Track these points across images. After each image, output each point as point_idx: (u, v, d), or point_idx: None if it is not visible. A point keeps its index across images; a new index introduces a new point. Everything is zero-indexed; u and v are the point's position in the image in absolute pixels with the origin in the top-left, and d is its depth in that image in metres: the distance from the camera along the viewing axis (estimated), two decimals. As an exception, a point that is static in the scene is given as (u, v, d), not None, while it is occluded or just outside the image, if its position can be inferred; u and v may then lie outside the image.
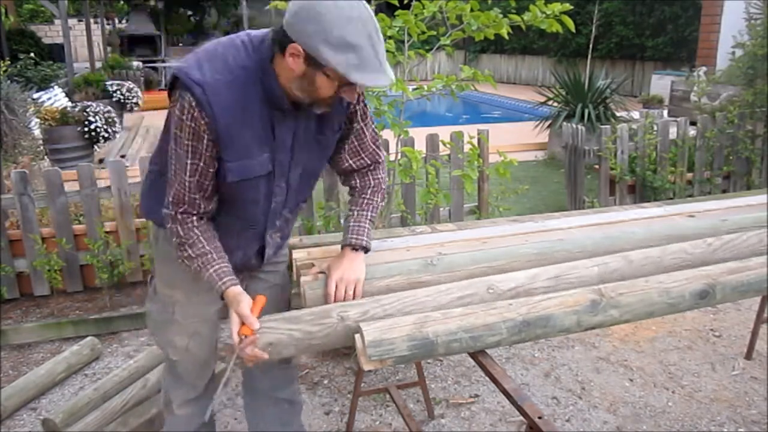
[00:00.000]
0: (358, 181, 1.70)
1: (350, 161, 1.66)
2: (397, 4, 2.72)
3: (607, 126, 4.58)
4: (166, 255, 1.62)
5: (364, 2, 1.28)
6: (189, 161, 1.39)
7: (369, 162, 1.67)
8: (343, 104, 1.50)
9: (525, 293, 1.51)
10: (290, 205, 1.62)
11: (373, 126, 1.65)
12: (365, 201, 1.68)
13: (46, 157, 5.83)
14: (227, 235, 1.55)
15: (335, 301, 1.51)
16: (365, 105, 1.61)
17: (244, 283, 1.62)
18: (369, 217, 1.66)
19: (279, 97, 1.38)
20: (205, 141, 1.37)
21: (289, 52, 1.29)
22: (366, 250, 1.61)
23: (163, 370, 1.89)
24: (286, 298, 1.83)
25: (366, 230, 1.63)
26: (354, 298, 1.51)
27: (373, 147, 1.66)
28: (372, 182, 1.69)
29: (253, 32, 1.42)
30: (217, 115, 1.34)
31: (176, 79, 1.36)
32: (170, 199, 1.47)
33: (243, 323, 1.39)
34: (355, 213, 1.66)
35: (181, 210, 1.47)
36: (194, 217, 1.48)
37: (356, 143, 1.63)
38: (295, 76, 1.32)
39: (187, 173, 1.41)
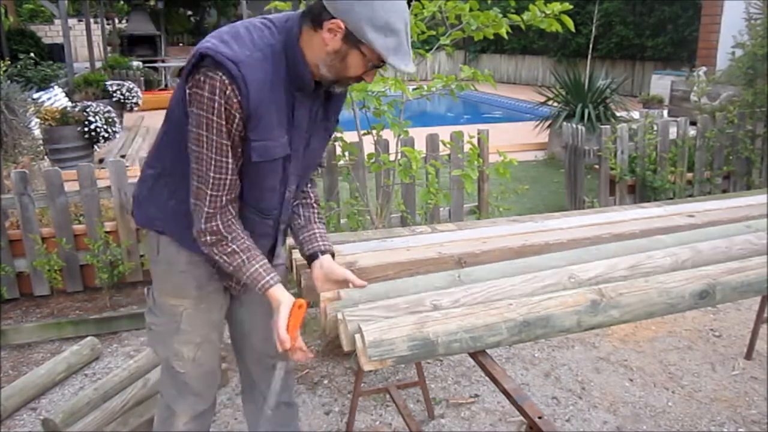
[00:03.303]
0: (309, 190, 1.66)
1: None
2: (397, 4, 2.71)
3: (607, 126, 4.58)
4: (170, 263, 1.55)
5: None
6: (226, 143, 1.34)
7: (317, 165, 1.65)
8: (343, 95, 1.52)
9: (604, 281, 1.54)
10: (295, 197, 1.59)
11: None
12: (316, 213, 1.65)
13: (46, 157, 5.83)
14: (246, 228, 1.50)
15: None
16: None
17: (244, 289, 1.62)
18: (323, 221, 1.67)
19: (303, 74, 1.37)
20: (236, 121, 1.33)
21: (328, 27, 1.30)
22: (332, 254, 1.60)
23: (161, 385, 1.79)
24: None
25: (325, 236, 1.62)
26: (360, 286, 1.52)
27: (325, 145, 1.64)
28: (315, 196, 1.68)
29: (272, 15, 1.43)
30: (251, 92, 1.31)
31: (203, 59, 1.29)
32: (209, 193, 1.38)
33: (282, 341, 1.38)
34: (312, 221, 1.63)
35: (221, 204, 1.40)
36: (231, 209, 1.43)
37: (327, 135, 1.61)
38: (327, 51, 1.33)
39: (229, 157, 1.35)
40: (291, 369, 1.95)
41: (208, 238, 1.42)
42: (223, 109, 1.30)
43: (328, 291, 1.53)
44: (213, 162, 1.35)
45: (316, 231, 1.59)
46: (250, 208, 1.50)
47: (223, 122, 1.32)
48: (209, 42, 1.31)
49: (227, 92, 1.29)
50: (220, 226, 1.42)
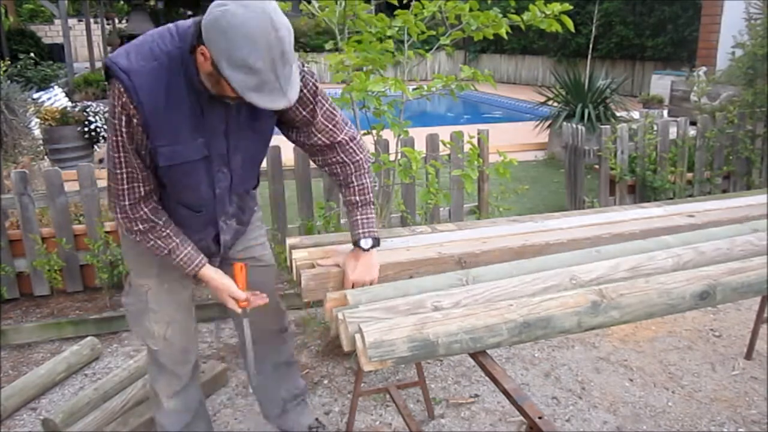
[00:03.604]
0: (338, 167, 1.68)
1: (309, 144, 1.64)
2: (397, 4, 2.71)
3: (607, 126, 4.58)
4: (133, 246, 1.67)
5: (276, 22, 1.27)
6: (129, 145, 1.44)
7: (335, 142, 1.63)
8: None
9: (606, 282, 1.54)
10: (237, 191, 1.67)
11: (326, 104, 1.61)
12: (356, 189, 1.67)
13: (46, 157, 5.83)
14: (179, 223, 1.61)
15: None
16: (315, 88, 1.57)
17: (222, 268, 1.69)
18: (367, 202, 1.67)
19: (196, 83, 1.41)
20: (134, 125, 1.41)
21: (200, 51, 1.33)
22: (378, 241, 1.65)
23: (147, 364, 1.95)
24: (271, 278, 1.92)
25: (371, 220, 1.66)
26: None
27: (333, 125, 1.62)
28: (351, 166, 1.67)
29: (182, 21, 1.46)
30: (143, 100, 1.38)
31: (108, 68, 1.40)
32: (117, 192, 1.50)
33: (238, 300, 1.55)
34: (356, 204, 1.67)
35: (129, 202, 1.51)
36: (143, 205, 1.53)
37: (308, 126, 1.61)
38: (204, 71, 1.37)
39: (127, 158, 1.45)
40: (290, 333, 2.09)
41: (141, 226, 1.54)
42: (122, 114, 1.40)
43: (351, 272, 1.62)
44: (118, 160, 1.46)
45: (357, 217, 1.66)
46: (178, 204, 1.60)
47: (123, 127, 1.41)
48: (114, 53, 1.42)
49: (123, 99, 1.39)
50: (149, 213, 1.53)
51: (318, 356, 2.82)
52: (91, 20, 11.61)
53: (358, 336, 1.32)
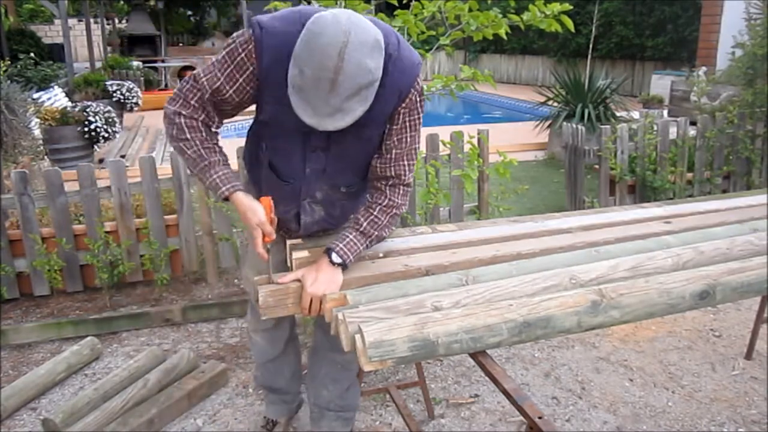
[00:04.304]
0: (374, 193, 1.70)
1: (378, 164, 1.65)
2: (397, 4, 2.72)
3: (607, 126, 4.57)
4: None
5: (346, 54, 1.29)
6: (237, 77, 1.52)
7: (391, 174, 1.65)
8: (393, 99, 1.53)
9: (606, 282, 1.54)
10: (329, 180, 1.68)
11: (415, 144, 1.64)
12: (370, 218, 1.67)
13: (46, 157, 5.83)
14: (269, 185, 1.69)
15: (304, 309, 1.58)
16: (416, 116, 1.60)
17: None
18: (367, 234, 1.65)
19: None
20: (247, 74, 1.51)
21: None
22: (332, 255, 1.60)
23: None
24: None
25: (356, 248, 1.63)
26: (317, 314, 1.58)
27: (405, 162, 1.65)
28: (385, 200, 1.68)
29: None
30: (265, 56, 1.46)
31: (250, 23, 1.51)
32: (186, 93, 1.57)
33: (266, 232, 1.57)
34: (356, 226, 1.66)
35: (190, 109, 1.57)
36: (204, 121, 1.59)
37: (390, 148, 1.62)
38: None
39: (227, 86, 1.53)
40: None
41: (190, 124, 1.59)
42: (241, 57, 1.49)
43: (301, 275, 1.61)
44: (200, 76, 1.55)
45: (345, 234, 1.65)
46: (270, 166, 1.68)
47: (232, 66, 1.51)
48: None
49: (250, 47, 1.48)
50: (202, 124, 1.60)
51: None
52: (91, 20, 11.61)
53: (358, 336, 1.32)
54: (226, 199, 1.61)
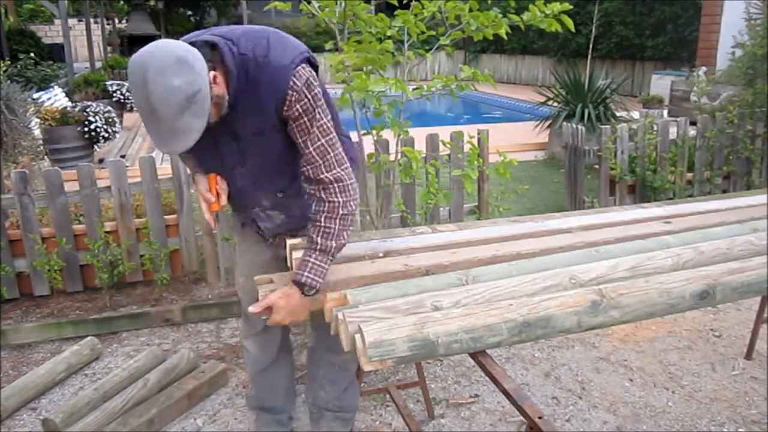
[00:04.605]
0: (314, 203, 1.64)
1: (301, 168, 1.63)
2: (397, 4, 2.71)
3: (607, 126, 4.58)
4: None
5: (148, 84, 1.35)
6: None
7: (312, 174, 1.60)
8: (271, 105, 1.54)
9: (605, 282, 1.54)
10: (265, 189, 1.75)
11: (322, 139, 1.58)
12: (321, 230, 1.60)
13: (46, 157, 5.84)
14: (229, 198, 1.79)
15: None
16: (310, 114, 1.55)
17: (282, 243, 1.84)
18: (326, 249, 1.59)
19: None
20: None
21: None
22: (304, 287, 1.57)
23: None
24: None
25: (321, 269, 1.58)
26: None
27: (319, 160, 1.59)
28: (324, 205, 1.61)
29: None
30: None
31: None
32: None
33: (209, 201, 1.70)
34: (312, 245, 1.60)
35: None
36: None
37: (302, 150, 1.61)
38: None
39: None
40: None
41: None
42: None
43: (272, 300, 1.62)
44: None
45: (309, 259, 1.59)
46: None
47: None
48: None
49: None
50: None
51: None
52: (91, 20, 11.61)
53: (358, 336, 1.32)
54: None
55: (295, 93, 1.52)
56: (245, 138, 1.63)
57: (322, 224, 1.60)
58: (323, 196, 1.61)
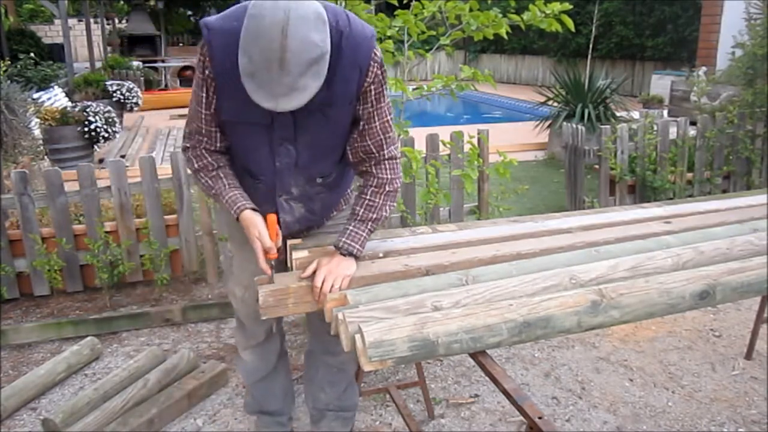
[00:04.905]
0: (363, 177, 1.71)
1: (355, 145, 1.65)
2: (397, 4, 2.72)
3: (607, 126, 4.58)
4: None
5: (289, 31, 1.29)
6: (203, 94, 1.55)
7: (372, 151, 1.65)
8: (354, 76, 1.51)
9: (606, 282, 1.54)
10: (303, 173, 1.67)
11: (387, 116, 1.63)
12: (365, 203, 1.69)
13: (46, 157, 5.83)
14: (243, 185, 1.69)
15: (321, 292, 1.57)
16: (382, 88, 1.59)
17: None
18: (365, 219, 1.68)
19: None
20: (206, 75, 1.52)
21: None
22: (355, 257, 1.65)
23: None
24: None
25: (359, 236, 1.66)
26: (339, 289, 1.58)
27: (381, 136, 1.64)
28: (374, 180, 1.68)
29: None
30: (216, 54, 1.48)
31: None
32: (186, 130, 1.65)
33: (265, 247, 1.57)
34: (354, 216, 1.69)
35: (194, 141, 1.64)
36: (206, 147, 1.64)
37: (364, 126, 1.62)
38: None
39: (202, 106, 1.57)
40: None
41: (196, 164, 1.66)
42: (200, 65, 1.52)
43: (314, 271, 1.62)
44: (193, 108, 1.60)
45: (348, 226, 1.68)
46: (240, 167, 1.70)
47: (201, 77, 1.54)
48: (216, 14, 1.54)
49: (203, 50, 1.50)
50: (206, 155, 1.65)
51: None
52: (91, 20, 11.60)
53: (358, 336, 1.32)
54: (237, 220, 1.64)
55: (375, 65, 1.54)
56: (309, 108, 1.48)
57: (368, 198, 1.68)
58: (374, 171, 1.68)
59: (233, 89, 1.47)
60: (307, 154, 1.63)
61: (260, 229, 1.59)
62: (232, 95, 1.50)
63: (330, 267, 1.60)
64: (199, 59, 1.53)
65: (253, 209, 1.63)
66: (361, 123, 1.62)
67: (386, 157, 1.67)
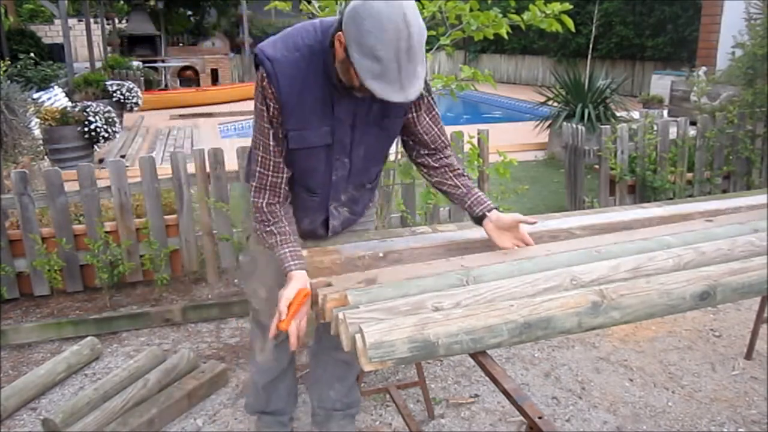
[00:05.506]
0: (453, 162, 1.80)
1: (425, 136, 1.75)
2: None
3: (607, 126, 4.58)
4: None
5: (409, 19, 1.33)
6: (267, 126, 1.58)
7: (446, 143, 1.79)
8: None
9: (606, 283, 1.54)
10: (354, 182, 1.75)
11: (439, 120, 1.77)
12: (467, 178, 1.80)
13: (46, 157, 5.84)
14: (294, 203, 1.73)
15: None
16: (431, 99, 1.71)
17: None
18: (476, 186, 1.82)
19: (331, 75, 1.51)
20: (272, 109, 1.55)
21: (337, 38, 1.41)
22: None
23: (249, 320, 2.19)
24: None
25: (482, 196, 1.78)
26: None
27: (443, 128, 1.78)
28: (458, 162, 1.81)
29: (326, 18, 1.57)
30: (281, 85, 1.51)
31: (256, 56, 1.55)
32: (254, 184, 1.65)
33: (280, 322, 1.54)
34: (468, 190, 1.78)
35: (267, 183, 1.64)
36: (278, 191, 1.66)
37: (432, 122, 1.75)
38: (339, 59, 1.45)
39: (269, 139, 1.59)
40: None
41: (256, 214, 1.68)
42: (262, 97, 1.55)
43: (505, 242, 1.74)
44: (259, 142, 1.61)
45: (480, 194, 1.77)
46: (298, 185, 1.73)
47: (264, 109, 1.56)
48: (263, 43, 1.56)
49: (264, 83, 1.53)
50: (264, 207, 1.66)
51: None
52: (91, 20, 11.61)
53: (358, 336, 1.32)
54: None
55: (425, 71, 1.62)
56: (367, 122, 1.62)
57: (465, 174, 1.82)
58: (453, 155, 1.82)
59: (298, 119, 1.55)
60: (360, 165, 1.71)
61: (283, 303, 1.53)
62: (297, 123, 1.57)
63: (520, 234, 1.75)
64: (259, 92, 1.55)
65: (301, 269, 1.60)
66: (429, 124, 1.74)
67: (448, 146, 1.80)
